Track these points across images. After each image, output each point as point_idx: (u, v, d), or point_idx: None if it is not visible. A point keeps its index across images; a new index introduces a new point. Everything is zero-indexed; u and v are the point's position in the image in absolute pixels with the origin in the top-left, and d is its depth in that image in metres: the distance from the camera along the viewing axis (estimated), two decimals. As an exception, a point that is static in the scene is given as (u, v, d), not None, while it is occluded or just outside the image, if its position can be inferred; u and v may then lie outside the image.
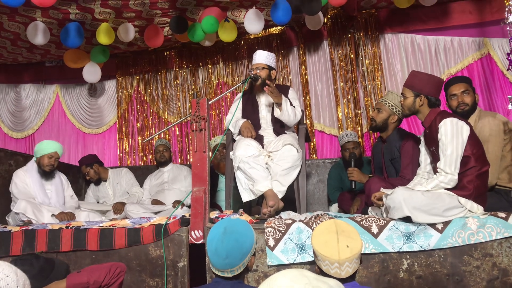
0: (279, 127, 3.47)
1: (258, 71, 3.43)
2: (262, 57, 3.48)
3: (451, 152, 2.39)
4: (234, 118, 3.51)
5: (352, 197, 3.61)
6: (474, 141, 2.45)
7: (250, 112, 3.54)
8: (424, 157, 2.74)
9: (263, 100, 3.56)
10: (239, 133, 3.46)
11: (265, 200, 3.07)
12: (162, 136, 5.47)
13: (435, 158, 2.58)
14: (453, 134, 2.40)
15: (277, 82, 3.82)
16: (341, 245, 1.59)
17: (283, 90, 3.59)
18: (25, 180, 3.72)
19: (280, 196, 3.08)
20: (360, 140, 4.68)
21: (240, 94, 3.66)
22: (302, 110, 3.70)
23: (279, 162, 3.14)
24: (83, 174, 4.62)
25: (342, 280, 1.54)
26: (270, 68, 3.49)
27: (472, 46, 4.58)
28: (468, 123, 2.48)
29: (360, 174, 3.35)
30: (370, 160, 4.01)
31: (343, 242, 1.59)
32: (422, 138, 2.77)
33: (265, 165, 3.21)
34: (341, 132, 4.75)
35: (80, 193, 4.76)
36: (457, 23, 4.59)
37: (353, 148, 3.96)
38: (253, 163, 3.13)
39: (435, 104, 2.59)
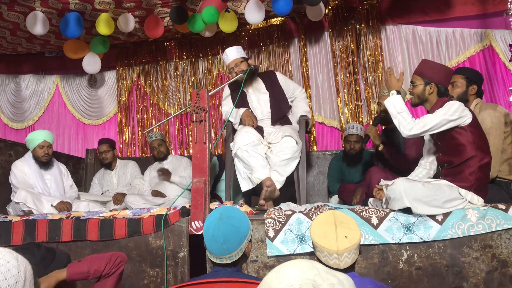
0: (277, 117, 3.48)
1: (239, 66, 3.46)
2: (234, 52, 3.52)
3: (438, 118, 2.41)
4: (228, 109, 3.53)
5: (352, 189, 3.61)
6: (476, 129, 2.45)
7: (241, 105, 3.53)
8: (428, 147, 2.73)
9: (251, 91, 3.56)
10: (240, 123, 3.46)
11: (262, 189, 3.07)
12: (158, 129, 5.45)
13: (438, 148, 2.57)
14: (454, 111, 2.40)
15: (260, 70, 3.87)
16: (340, 236, 1.58)
17: (269, 76, 3.63)
18: (23, 170, 3.73)
19: (278, 186, 3.09)
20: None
21: (228, 91, 3.66)
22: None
23: (278, 153, 3.15)
24: (99, 153, 4.61)
25: (342, 271, 1.54)
26: (246, 59, 3.55)
27: (474, 37, 4.55)
28: (472, 111, 2.47)
29: (377, 134, 3.34)
30: (371, 153, 4.02)
31: (341, 233, 1.59)
32: None
33: (265, 155, 3.22)
34: (345, 123, 4.75)
35: (80, 184, 4.77)
36: (459, 14, 4.56)
37: (355, 142, 3.96)
38: (252, 151, 3.13)
39: (444, 93, 2.58)
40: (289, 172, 3.18)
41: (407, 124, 2.46)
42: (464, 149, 2.42)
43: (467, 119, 2.42)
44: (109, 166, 4.64)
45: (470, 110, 2.49)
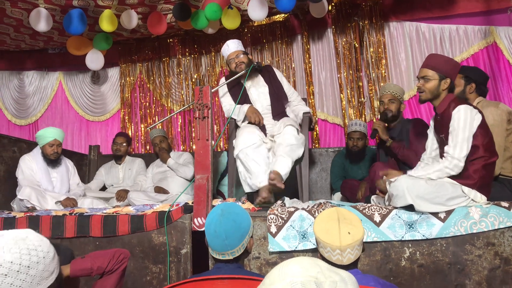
0: (277, 109, 3.48)
1: (241, 56, 3.49)
2: (236, 44, 3.57)
3: (462, 139, 2.36)
4: (230, 106, 3.52)
5: (355, 185, 3.61)
6: (485, 130, 2.41)
7: (242, 99, 3.53)
8: (431, 142, 2.71)
9: (250, 85, 3.57)
10: (243, 121, 3.46)
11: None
12: (161, 125, 5.47)
13: (443, 145, 2.55)
14: (466, 122, 2.36)
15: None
16: (343, 232, 1.59)
17: (267, 70, 3.65)
18: (31, 166, 3.73)
19: (287, 170, 3.03)
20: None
21: (226, 88, 3.64)
22: (304, 99, 3.78)
23: (282, 141, 3.13)
24: (114, 143, 4.69)
25: (345, 267, 1.54)
26: (246, 54, 3.58)
27: (478, 34, 4.52)
28: (481, 112, 2.43)
29: (384, 128, 3.35)
30: (374, 150, 4.02)
31: (344, 229, 1.59)
32: (432, 122, 2.72)
33: (268, 152, 3.22)
34: (348, 121, 4.75)
35: (83, 180, 4.77)
36: (462, 11, 4.53)
37: (358, 138, 3.97)
38: (253, 154, 3.12)
39: (452, 89, 2.54)
40: (296, 157, 3.14)
41: (446, 169, 2.39)
42: (474, 151, 2.39)
43: (479, 121, 2.39)
44: (119, 159, 4.70)
45: (476, 107, 2.46)
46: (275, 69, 3.71)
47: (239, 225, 1.65)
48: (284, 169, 3.02)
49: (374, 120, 3.43)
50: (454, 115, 2.40)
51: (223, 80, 3.67)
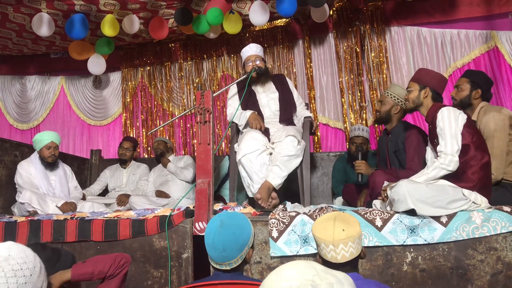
0: (285, 115, 3.49)
1: (258, 62, 3.53)
2: (256, 49, 3.60)
3: (450, 135, 2.44)
4: (234, 110, 3.53)
5: (357, 189, 3.60)
6: (473, 129, 2.49)
7: (251, 103, 3.55)
8: (430, 155, 2.73)
9: (260, 89, 3.59)
10: (245, 126, 3.46)
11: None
12: (163, 132, 5.49)
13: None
14: (450, 120, 2.46)
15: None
16: (337, 229, 1.60)
17: (279, 78, 3.70)
18: (29, 170, 3.75)
19: (279, 181, 3.07)
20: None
21: (235, 90, 3.66)
22: (306, 103, 3.78)
23: (280, 151, 3.15)
24: (120, 147, 4.73)
25: (341, 266, 1.55)
26: (264, 60, 3.63)
27: (479, 39, 4.52)
28: (466, 113, 2.53)
29: (367, 167, 3.33)
30: (375, 153, 4.01)
31: (339, 226, 1.61)
32: (428, 137, 2.79)
33: (268, 155, 3.23)
34: (350, 125, 4.75)
35: (85, 185, 4.79)
36: (464, 15, 4.53)
37: (361, 143, 3.96)
38: (255, 162, 3.15)
39: (437, 99, 2.67)
40: (291, 168, 3.16)
41: (443, 166, 2.43)
42: (465, 150, 2.43)
43: (464, 120, 2.47)
44: (124, 163, 4.72)
45: (464, 111, 2.54)
46: (287, 79, 3.77)
47: (238, 237, 1.63)
48: (277, 180, 3.07)
49: (355, 163, 3.36)
50: (438, 116, 2.51)
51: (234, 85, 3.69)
